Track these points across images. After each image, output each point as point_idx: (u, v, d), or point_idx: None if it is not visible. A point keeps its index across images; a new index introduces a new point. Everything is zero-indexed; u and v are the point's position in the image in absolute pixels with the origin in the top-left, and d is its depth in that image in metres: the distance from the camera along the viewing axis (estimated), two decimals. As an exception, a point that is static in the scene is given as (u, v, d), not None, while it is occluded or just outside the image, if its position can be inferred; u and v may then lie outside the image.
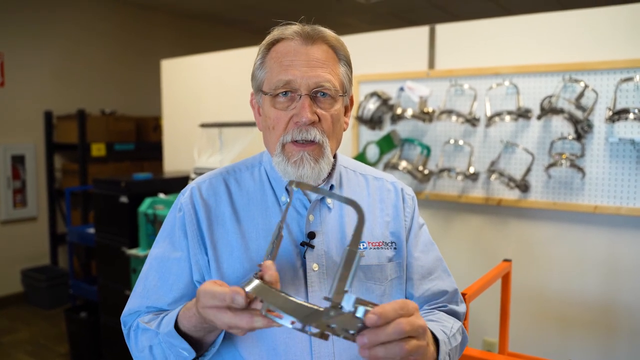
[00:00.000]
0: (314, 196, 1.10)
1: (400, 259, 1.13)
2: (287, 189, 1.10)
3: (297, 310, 0.78)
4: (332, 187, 1.12)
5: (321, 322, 0.77)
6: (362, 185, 1.18)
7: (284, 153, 1.05)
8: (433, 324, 1.05)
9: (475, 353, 1.38)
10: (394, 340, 0.77)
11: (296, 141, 1.03)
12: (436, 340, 0.98)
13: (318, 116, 1.03)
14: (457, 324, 1.12)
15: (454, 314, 1.16)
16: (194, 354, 0.97)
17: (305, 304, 0.79)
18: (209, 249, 1.07)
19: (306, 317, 0.78)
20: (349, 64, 1.11)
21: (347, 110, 1.14)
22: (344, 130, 1.12)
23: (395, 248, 1.13)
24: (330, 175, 1.13)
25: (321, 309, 0.78)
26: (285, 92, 1.03)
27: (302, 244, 1.07)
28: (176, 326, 0.97)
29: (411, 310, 0.80)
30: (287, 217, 1.09)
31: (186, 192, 1.13)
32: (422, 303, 1.15)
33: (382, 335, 0.76)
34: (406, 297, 1.15)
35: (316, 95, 1.04)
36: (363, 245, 1.10)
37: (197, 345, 0.99)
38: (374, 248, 1.10)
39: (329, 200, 1.12)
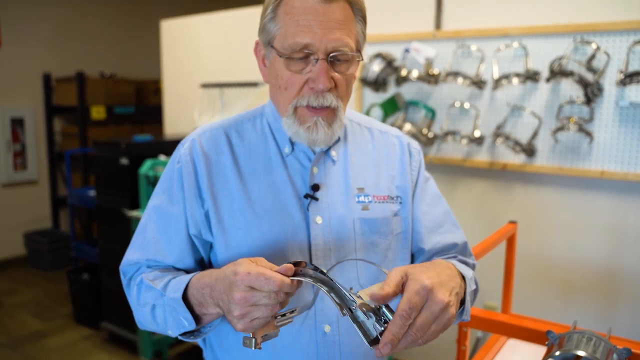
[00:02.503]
0: (318, 148, 1.07)
1: (406, 214, 1.11)
2: (290, 140, 1.07)
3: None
4: (337, 139, 1.09)
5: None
6: (367, 139, 1.15)
7: (296, 116, 1.00)
8: (454, 262, 1.03)
9: (479, 312, 1.36)
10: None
11: (311, 106, 0.99)
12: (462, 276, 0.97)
13: (334, 81, 0.98)
14: (470, 271, 1.09)
15: (464, 264, 1.14)
16: (193, 326, 0.95)
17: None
18: (208, 201, 1.04)
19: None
20: (364, 19, 1.04)
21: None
22: (353, 83, 1.08)
23: (400, 202, 1.10)
24: None
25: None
26: (301, 55, 0.97)
27: (306, 196, 1.04)
28: (184, 294, 0.94)
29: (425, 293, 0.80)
30: (290, 169, 1.06)
31: (186, 143, 1.10)
32: (432, 256, 1.13)
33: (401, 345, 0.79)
34: (416, 252, 1.14)
35: (333, 59, 0.98)
36: (368, 198, 1.07)
37: (197, 318, 0.96)
38: (379, 202, 1.08)
39: (333, 153, 1.09)
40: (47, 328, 3.92)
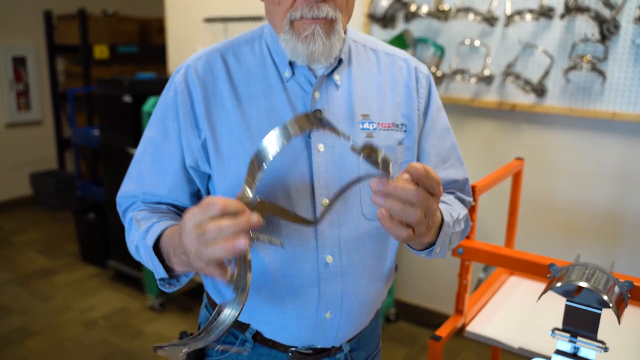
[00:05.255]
0: (320, 72, 1.02)
1: (411, 142, 1.06)
2: (290, 63, 1.02)
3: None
4: (340, 61, 1.03)
5: None
6: (373, 62, 1.09)
7: (293, 30, 0.94)
8: (443, 205, 1.00)
9: (482, 245, 1.35)
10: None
11: (305, 18, 0.93)
12: (441, 220, 0.94)
13: None
14: (464, 211, 1.08)
15: (460, 201, 1.12)
16: (166, 275, 0.93)
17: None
18: (205, 130, 1.00)
19: None
20: None
21: None
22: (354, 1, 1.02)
23: (405, 131, 1.06)
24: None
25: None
26: None
27: None
28: (158, 244, 0.93)
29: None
30: (290, 94, 1.02)
31: (180, 70, 1.05)
32: None
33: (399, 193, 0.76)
34: None
35: None
36: (372, 125, 1.03)
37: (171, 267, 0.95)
38: (384, 129, 1.03)
39: (336, 77, 1.03)
40: (55, 266, 3.99)
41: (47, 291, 3.59)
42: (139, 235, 0.97)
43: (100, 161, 4.81)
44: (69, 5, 5.31)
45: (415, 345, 2.97)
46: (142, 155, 1.07)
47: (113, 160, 3.45)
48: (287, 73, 1.02)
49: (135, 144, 3.22)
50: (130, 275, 3.60)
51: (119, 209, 1.11)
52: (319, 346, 1.07)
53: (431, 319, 3.11)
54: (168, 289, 0.97)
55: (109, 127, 3.44)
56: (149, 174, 1.04)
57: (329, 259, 1.00)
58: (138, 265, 3.46)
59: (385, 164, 0.76)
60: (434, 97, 1.13)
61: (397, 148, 1.04)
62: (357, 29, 2.94)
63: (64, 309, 3.35)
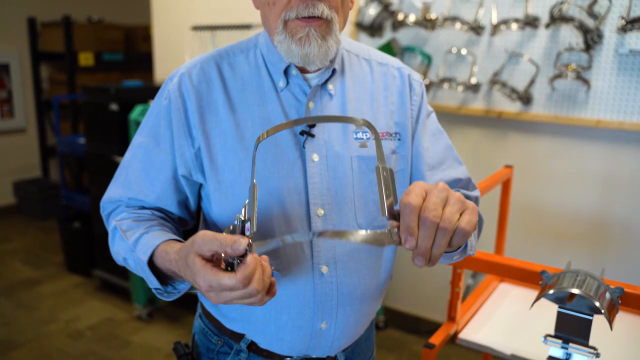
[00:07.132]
0: (314, 81, 1.02)
1: (405, 151, 1.07)
2: (285, 73, 1.02)
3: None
4: (334, 71, 1.04)
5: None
6: (366, 71, 1.10)
7: (286, 30, 0.94)
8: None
9: (475, 254, 1.36)
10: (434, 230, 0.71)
11: (301, 17, 0.92)
12: None
13: None
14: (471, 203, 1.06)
15: (466, 198, 1.11)
16: (159, 287, 0.92)
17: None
18: (199, 139, 0.99)
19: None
20: None
21: None
22: (350, 9, 1.02)
23: (399, 139, 1.06)
24: (332, 59, 1.04)
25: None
26: None
27: (302, 132, 1.00)
28: (152, 258, 0.91)
29: (421, 192, 0.73)
30: (284, 104, 1.02)
31: (175, 77, 1.03)
32: None
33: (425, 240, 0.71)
34: None
35: None
36: (366, 135, 1.04)
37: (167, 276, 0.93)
38: None
39: (330, 86, 1.03)
40: (40, 276, 3.93)
41: (32, 301, 3.54)
42: (127, 247, 0.96)
43: (85, 169, 4.76)
44: (53, 12, 5.26)
45: (404, 353, 2.97)
46: (131, 161, 1.05)
47: (99, 168, 3.42)
48: (281, 83, 1.02)
49: (122, 153, 3.20)
50: (117, 285, 3.56)
51: (103, 214, 1.10)
52: (314, 356, 1.07)
53: (420, 326, 3.12)
54: (167, 298, 0.95)
55: (95, 135, 3.41)
56: (136, 180, 1.03)
57: (324, 269, 1.00)
58: (124, 275, 3.42)
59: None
60: (425, 103, 1.13)
61: (391, 157, 1.05)
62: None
63: (49, 320, 3.30)
